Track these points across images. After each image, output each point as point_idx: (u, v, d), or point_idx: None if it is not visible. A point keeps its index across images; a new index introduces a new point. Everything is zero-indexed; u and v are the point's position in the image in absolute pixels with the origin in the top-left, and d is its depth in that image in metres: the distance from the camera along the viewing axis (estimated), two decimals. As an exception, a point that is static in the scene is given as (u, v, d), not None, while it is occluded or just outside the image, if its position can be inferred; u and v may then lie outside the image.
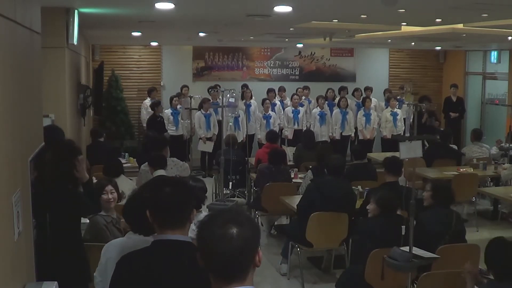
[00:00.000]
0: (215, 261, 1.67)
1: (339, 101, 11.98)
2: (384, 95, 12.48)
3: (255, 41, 11.71)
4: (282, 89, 12.33)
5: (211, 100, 11.17)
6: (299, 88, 12.48)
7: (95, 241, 4.06)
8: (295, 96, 11.87)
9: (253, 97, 11.77)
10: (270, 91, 11.94)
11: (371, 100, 11.97)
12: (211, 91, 11.21)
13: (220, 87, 10.05)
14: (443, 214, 4.86)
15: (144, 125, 11.69)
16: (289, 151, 9.16)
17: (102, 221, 4.18)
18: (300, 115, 11.68)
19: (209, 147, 9.93)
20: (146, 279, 2.18)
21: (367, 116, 11.75)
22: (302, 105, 11.90)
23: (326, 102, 11.94)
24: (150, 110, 11.53)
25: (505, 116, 11.69)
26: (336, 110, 11.80)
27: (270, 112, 11.52)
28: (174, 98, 11.31)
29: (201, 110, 10.98)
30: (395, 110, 11.68)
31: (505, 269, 3.38)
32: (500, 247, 3.50)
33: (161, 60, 12.90)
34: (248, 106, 10.78)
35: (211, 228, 1.68)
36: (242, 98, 10.88)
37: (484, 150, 9.27)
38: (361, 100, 12.17)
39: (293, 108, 11.67)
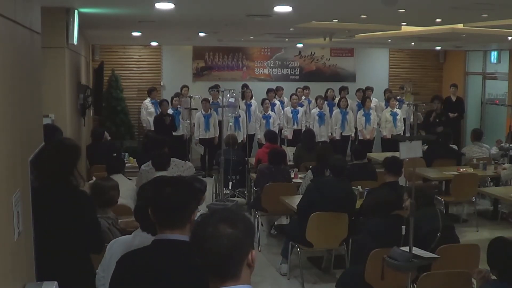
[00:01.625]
0: (206, 259, 1.70)
1: (339, 101, 11.98)
2: (385, 95, 12.47)
3: (255, 41, 11.71)
4: (279, 89, 12.31)
5: (212, 100, 11.19)
6: (299, 88, 12.48)
7: None
8: (294, 96, 11.86)
9: (253, 97, 11.77)
10: (270, 91, 11.94)
11: (371, 100, 11.97)
12: (211, 91, 11.21)
13: (220, 87, 10.06)
14: (429, 213, 4.85)
15: (144, 125, 11.72)
16: (289, 151, 9.16)
17: (105, 224, 4.19)
18: (299, 115, 11.68)
19: (200, 150, 9.97)
20: (144, 278, 2.19)
21: (367, 116, 11.75)
22: (301, 105, 11.89)
23: (326, 102, 11.94)
24: (150, 110, 11.57)
25: (505, 116, 11.70)
26: (336, 110, 11.80)
27: (269, 112, 11.52)
28: (174, 98, 11.32)
29: (201, 110, 10.99)
30: (395, 110, 11.69)
31: (506, 268, 3.38)
32: (501, 246, 3.50)
33: (161, 60, 12.90)
34: (248, 106, 10.78)
35: (204, 226, 1.71)
36: (243, 98, 10.89)
37: (484, 150, 9.27)
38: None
39: (292, 108, 11.67)
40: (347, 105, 11.81)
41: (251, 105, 11.46)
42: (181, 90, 11.77)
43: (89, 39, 10.65)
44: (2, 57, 2.20)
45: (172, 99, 11.42)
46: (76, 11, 5.76)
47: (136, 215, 3.07)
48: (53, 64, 5.58)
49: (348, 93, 12.28)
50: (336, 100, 12.22)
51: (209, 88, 11.30)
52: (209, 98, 11.26)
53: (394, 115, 11.67)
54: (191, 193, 2.32)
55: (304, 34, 9.53)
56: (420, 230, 4.59)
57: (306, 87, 12.51)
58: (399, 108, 11.78)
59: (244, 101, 10.73)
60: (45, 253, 3.10)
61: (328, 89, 12.42)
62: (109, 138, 9.47)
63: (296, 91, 12.26)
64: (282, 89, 12.39)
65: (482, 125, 13.05)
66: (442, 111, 11.68)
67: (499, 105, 12.55)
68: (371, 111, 11.83)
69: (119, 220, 4.47)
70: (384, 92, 12.62)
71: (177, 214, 2.23)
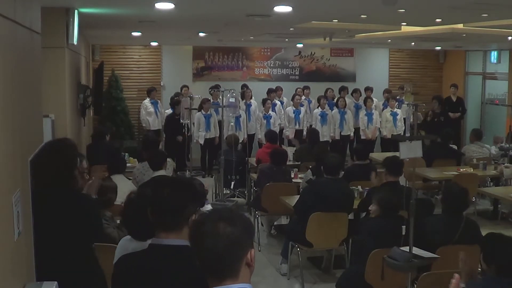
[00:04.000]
0: (203, 257, 1.72)
1: (337, 101, 11.98)
2: (383, 95, 12.45)
3: (255, 41, 11.71)
4: (279, 89, 12.30)
5: (212, 100, 11.18)
6: (299, 88, 12.47)
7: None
8: (297, 96, 11.85)
9: (253, 97, 11.77)
10: (270, 91, 11.93)
11: (372, 100, 11.97)
12: (211, 91, 11.22)
13: (220, 87, 10.05)
14: (449, 222, 4.70)
15: (144, 125, 11.72)
16: (289, 151, 9.16)
17: (105, 225, 4.19)
18: (300, 115, 11.68)
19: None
20: (139, 283, 2.18)
21: (369, 116, 11.75)
22: (302, 105, 11.89)
23: (327, 102, 11.94)
24: (149, 110, 11.57)
25: (505, 116, 11.69)
26: (334, 110, 11.80)
27: (270, 112, 11.52)
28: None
29: (201, 110, 10.98)
30: (395, 110, 11.69)
31: (503, 265, 3.37)
32: (499, 242, 3.49)
33: (161, 60, 12.90)
34: (248, 106, 10.77)
35: (202, 225, 1.73)
36: (243, 98, 10.87)
37: (485, 151, 9.27)
38: (359, 101, 12.19)
39: (294, 108, 11.66)
40: (345, 105, 11.80)
41: (251, 105, 11.45)
42: (181, 90, 11.77)
43: (89, 39, 10.65)
44: (2, 57, 2.20)
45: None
46: (76, 11, 5.76)
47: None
48: (53, 64, 5.58)
49: (348, 93, 12.29)
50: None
51: (210, 88, 11.31)
52: (209, 98, 11.25)
53: (394, 115, 11.67)
54: (191, 196, 2.25)
55: (304, 34, 9.53)
56: (427, 235, 4.54)
57: (306, 87, 12.50)
58: (398, 108, 11.78)
59: (244, 101, 10.72)
60: (45, 253, 3.09)
61: (327, 89, 12.41)
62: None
63: (296, 91, 12.25)
64: (282, 89, 12.39)
65: (482, 125, 13.06)
66: (441, 111, 11.68)
67: (499, 105, 12.55)
68: (373, 111, 11.83)
69: (118, 221, 4.47)
70: (383, 92, 12.60)
71: (173, 217, 2.19)
